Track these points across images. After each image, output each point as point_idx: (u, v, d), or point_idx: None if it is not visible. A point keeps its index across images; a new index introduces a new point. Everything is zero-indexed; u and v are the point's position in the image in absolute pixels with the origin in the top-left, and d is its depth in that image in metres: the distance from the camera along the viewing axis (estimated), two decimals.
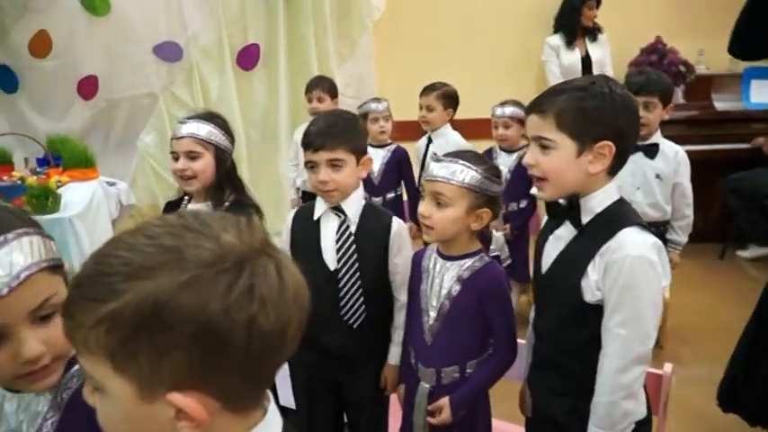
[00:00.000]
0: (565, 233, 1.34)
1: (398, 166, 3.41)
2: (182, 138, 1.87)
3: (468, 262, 1.55)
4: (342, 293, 1.69)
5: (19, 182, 3.67)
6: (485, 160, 1.59)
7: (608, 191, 1.31)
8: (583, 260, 1.27)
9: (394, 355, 1.77)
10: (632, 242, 1.24)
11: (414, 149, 3.52)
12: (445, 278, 1.56)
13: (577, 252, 1.30)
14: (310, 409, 1.84)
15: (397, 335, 1.76)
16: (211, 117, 1.94)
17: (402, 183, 3.43)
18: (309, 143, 1.68)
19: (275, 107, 4.39)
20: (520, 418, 1.61)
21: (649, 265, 1.24)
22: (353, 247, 1.70)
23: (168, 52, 4.28)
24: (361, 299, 1.71)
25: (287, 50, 4.34)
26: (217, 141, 1.90)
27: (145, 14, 4.22)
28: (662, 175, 2.60)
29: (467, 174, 1.48)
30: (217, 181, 1.92)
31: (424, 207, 1.53)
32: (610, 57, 4.39)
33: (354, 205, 1.73)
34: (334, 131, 1.67)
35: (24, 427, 0.89)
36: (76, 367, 0.89)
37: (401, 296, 1.74)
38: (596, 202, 1.30)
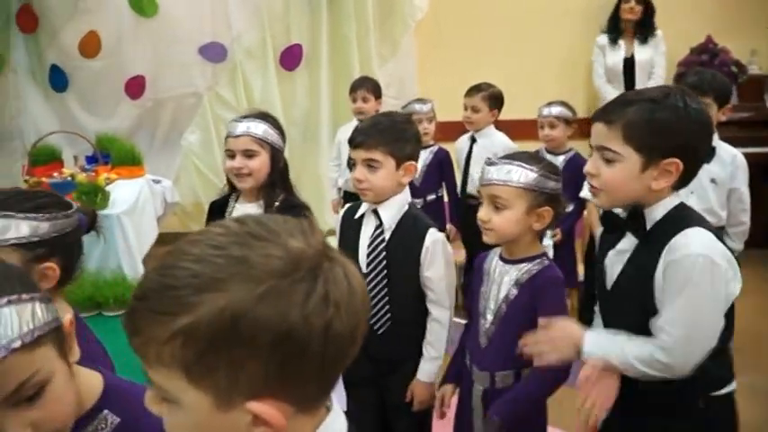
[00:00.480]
0: (627, 245, 1.29)
1: (440, 168, 3.39)
2: (239, 136, 1.87)
3: (527, 265, 1.52)
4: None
5: (69, 179, 3.76)
6: (540, 159, 1.56)
7: (669, 199, 1.26)
8: (650, 268, 1.22)
9: (424, 371, 1.71)
10: (698, 242, 1.19)
11: (453, 149, 3.49)
12: (504, 281, 1.53)
13: (643, 261, 1.25)
14: (353, 410, 1.83)
15: (428, 351, 1.71)
16: (265, 116, 1.95)
17: (443, 184, 3.42)
18: (351, 140, 1.71)
19: (316, 107, 4.41)
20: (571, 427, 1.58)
21: (713, 265, 1.18)
22: (384, 254, 1.69)
23: (213, 53, 4.34)
24: (387, 306, 1.69)
25: (329, 51, 4.36)
26: (272, 140, 1.90)
27: (191, 15, 4.29)
28: (717, 179, 2.51)
29: (522, 173, 1.46)
30: (269, 180, 1.92)
31: (483, 212, 1.50)
32: (663, 59, 4.25)
33: (392, 210, 1.71)
34: (373, 132, 1.68)
35: None
36: (98, 419, 0.86)
37: (435, 310, 1.70)
38: (658, 212, 1.25)
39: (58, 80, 4.50)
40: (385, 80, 4.27)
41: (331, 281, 0.58)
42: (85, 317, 3.34)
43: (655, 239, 1.24)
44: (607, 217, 1.35)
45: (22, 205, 1.08)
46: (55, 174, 3.90)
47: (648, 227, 1.25)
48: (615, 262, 1.32)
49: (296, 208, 1.89)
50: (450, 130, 3.63)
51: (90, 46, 4.38)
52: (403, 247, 1.69)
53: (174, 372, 0.56)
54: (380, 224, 1.70)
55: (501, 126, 3.37)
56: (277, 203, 1.90)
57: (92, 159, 4.01)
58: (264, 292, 0.55)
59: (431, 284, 1.69)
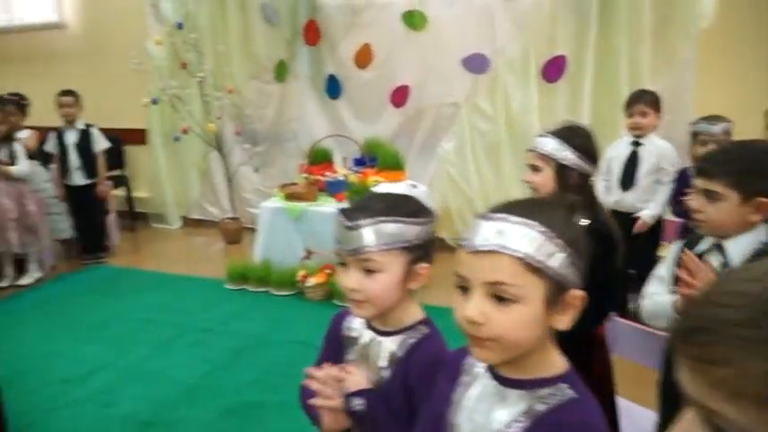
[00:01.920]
0: None
1: None
2: (531, 150, 1.92)
3: None
4: None
5: (342, 178, 4.11)
6: None
7: None
8: None
9: None
10: None
11: None
12: None
13: None
14: None
15: None
16: (568, 133, 1.90)
17: None
18: (697, 167, 1.58)
19: (576, 120, 4.24)
20: None
21: None
22: None
23: (475, 64, 4.42)
24: None
25: (595, 62, 4.17)
26: (558, 157, 1.86)
27: (457, 28, 4.42)
28: None
29: None
30: (559, 195, 1.89)
31: None
32: None
33: (739, 247, 1.52)
34: (718, 160, 1.54)
35: (491, 416, 0.91)
36: (553, 388, 0.89)
37: None
38: None
39: (333, 88, 4.96)
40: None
41: None
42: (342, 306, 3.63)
43: None
44: None
45: (402, 210, 1.16)
46: (327, 173, 4.31)
47: None
48: None
49: (597, 233, 1.81)
50: None
51: (363, 57, 4.76)
52: None
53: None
54: (726, 263, 1.52)
55: None
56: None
57: (359, 162, 4.35)
58: None
59: None
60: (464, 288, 0.88)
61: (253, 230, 4.73)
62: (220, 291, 4.11)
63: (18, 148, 4.29)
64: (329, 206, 4.03)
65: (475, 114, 4.53)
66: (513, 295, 0.84)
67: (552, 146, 1.88)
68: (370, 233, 1.13)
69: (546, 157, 1.87)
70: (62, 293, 4.19)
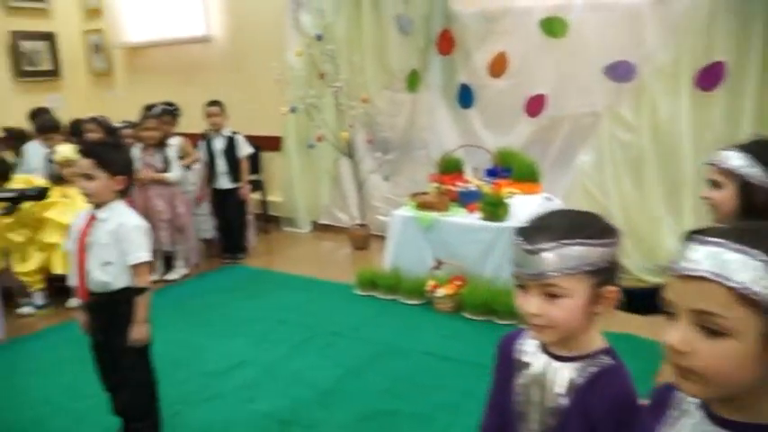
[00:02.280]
0: None
1: None
2: (710, 164, 1.76)
3: None
4: None
5: (475, 189, 4.04)
6: None
7: None
8: None
9: None
10: None
11: None
12: None
13: None
14: None
15: None
16: (757, 148, 1.72)
17: None
18: None
19: (734, 132, 3.88)
20: None
21: None
22: None
23: (619, 72, 4.18)
24: None
25: (760, 68, 3.80)
26: (742, 172, 1.69)
27: (600, 34, 4.21)
28: None
29: None
30: (741, 215, 1.71)
31: None
32: None
33: None
34: None
35: None
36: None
37: None
38: None
39: (465, 98, 4.90)
40: None
41: None
42: (476, 321, 3.55)
43: None
44: None
45: (587, 231, 1.08)
46: (458, 183, 4.26)
47: None
48: None
49: None
50: None
51: (498, 66, 4.66)
52: None
53: None
54: None
55: None
56: None
57: (491, 172, 4.26)
58: None
59: None
60: (672, 314, 0.80)
61: (380, 237, 4.78)
62: (349, 296, 4.17)
63: (171, 154, 4.63)
64: (460, 216, 3.98)
65: (616, 125, 4.28)
66: (723, 327, 0.75)
67: (737, 161, 1.71)
68: (552, 257, 1.06)
69: (728, 173, 1.70)
70: (204, 290, 4.46)
